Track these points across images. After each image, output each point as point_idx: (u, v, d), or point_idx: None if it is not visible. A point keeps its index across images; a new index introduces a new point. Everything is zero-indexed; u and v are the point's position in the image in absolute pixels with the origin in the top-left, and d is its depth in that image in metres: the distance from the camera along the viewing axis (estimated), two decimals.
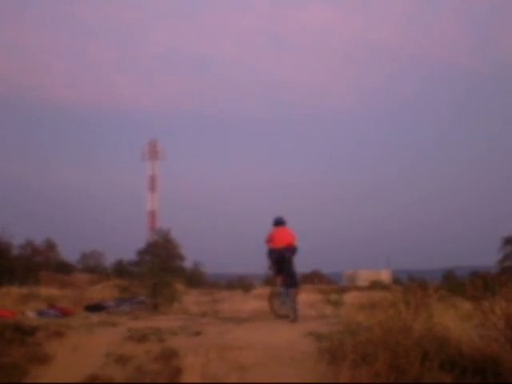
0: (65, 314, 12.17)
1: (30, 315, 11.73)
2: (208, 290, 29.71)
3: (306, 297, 22.82)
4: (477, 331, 7.41)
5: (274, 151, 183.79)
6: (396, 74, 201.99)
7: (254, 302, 19.85)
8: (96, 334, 9.07)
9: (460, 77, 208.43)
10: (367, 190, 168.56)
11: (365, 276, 52.42)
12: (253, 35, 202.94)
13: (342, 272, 60.11)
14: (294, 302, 10.51)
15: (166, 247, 52.45)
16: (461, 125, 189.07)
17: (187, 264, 52.02)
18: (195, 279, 44.44)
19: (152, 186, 71.25)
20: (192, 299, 20.00)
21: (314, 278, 43.94)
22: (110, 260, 56.50)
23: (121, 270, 49.08)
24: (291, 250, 11.06)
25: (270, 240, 11.20)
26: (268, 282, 32.39)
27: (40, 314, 11.99)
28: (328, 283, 46.30)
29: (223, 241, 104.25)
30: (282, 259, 10.92)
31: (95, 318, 11.23)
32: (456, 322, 8.05)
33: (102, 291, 21.56)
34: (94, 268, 52.24)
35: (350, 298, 22.08)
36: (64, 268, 45.28)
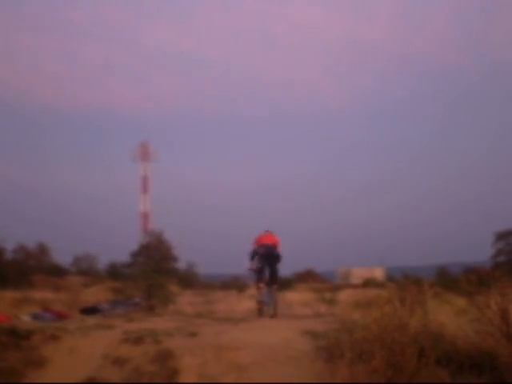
0: (60, 317, 12.14)
1: (25, 319, 11.68)
2: (202, 290, 29.58)
3: (300, 296, 22.91)
4: (472, 326, 7.47)
5: (264, 151, 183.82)
6: (387, 73, 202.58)
7: (249, 302, 19.82)
8: (92, 337, 9.04)
9: (451, 76, 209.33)
10: (359, 189, 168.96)
11: (358, 274, 52.43)
12: (243, 35, 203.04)
13: (335, 270, 60.11)
14: (275, 299, 11.11)
15: (160, 249, 52.28)
16: (453, 123, 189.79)
17: (181, 265, 51.95)
18: (189, 280, 44.27)
19: (144, 188, 71.03)
20: (186, 300, 20.00)
21: (308, 277, 43.93)
22: (103, 262, 56.28)
23: (114, 272, 48.77)
24: (277, 251, 11.80)
25: (257, 242, 11.87)
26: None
27: (35, 317, 11.96)
28: (322, 282, 46.33)
29: (216, 241, 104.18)
30: (270, 253, 11.60)
31: (91, 320, 11.20)
32: (451, 318, 8.12)
33: (96, 294, 21.54)
34: (87, 271, 51.97)
35: (344, 296, 22.13)
36: (57, 271, 44.96)
